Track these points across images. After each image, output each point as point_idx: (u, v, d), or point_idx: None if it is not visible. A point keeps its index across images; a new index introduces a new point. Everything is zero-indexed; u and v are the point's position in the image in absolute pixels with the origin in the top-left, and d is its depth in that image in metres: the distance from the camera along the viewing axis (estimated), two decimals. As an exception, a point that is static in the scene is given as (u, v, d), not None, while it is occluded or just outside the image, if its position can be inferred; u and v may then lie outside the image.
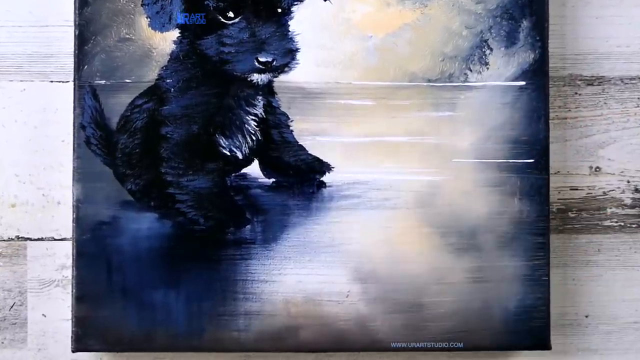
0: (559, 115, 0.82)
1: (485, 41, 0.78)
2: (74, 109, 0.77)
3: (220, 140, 0.78)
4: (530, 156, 0.77)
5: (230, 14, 0.76)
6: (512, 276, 0.77)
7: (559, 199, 0.82)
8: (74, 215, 0.76)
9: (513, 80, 0.78)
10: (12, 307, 0.81)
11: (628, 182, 0.82)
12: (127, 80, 0.77)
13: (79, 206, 0.76)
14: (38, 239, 0.81)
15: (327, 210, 0.77)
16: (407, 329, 0.77)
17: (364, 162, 0.77)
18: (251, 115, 0.78)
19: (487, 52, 0.78)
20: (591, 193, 0.82)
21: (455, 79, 0.77)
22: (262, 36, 0.76)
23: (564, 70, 0.82)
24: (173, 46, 0.77)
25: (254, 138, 0.79)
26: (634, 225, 0.82)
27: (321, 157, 0.78)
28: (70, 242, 0.78)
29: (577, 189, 0.82)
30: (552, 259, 0.78)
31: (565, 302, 0.82)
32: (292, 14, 0.77)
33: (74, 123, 0.77)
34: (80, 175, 0.76)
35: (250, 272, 0.77)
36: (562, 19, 0.82)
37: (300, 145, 0.78)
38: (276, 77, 0.77)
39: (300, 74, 0.77)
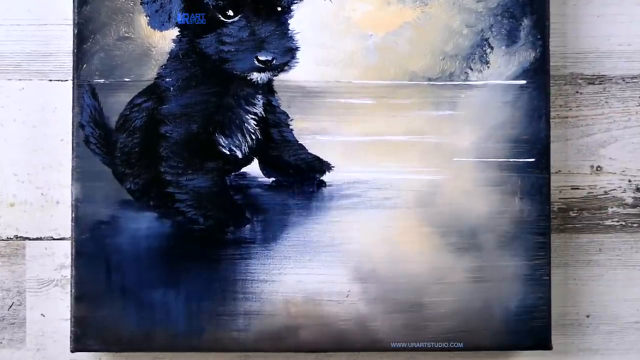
0: (560, 114, 0.82)
1: (486, 40, 0.77)
2: (73, 108, 0.77)
3: (220, 139, 0.78)
4: (531, 155, 0.77)
5: (230, 13, 0.76)
6: (513, 276, 0.77)
7: (560, 199, 0.82)
8: (73, 215, 0.76)
9: (514, 79, 0.77)
10: (10, 306, 0.80)
11: (629, 181, 0.82)
12: (126, 79, 0.77)
13: (78, 205, 0.76)
14: (37, 239, 0.80)
15: (327, 209, 0.77)
16: (408, 329, 0.77)
17: (364, 161, 0.77)
18: (251, 114, 0.78)
19: (488, 50, 0.77)
20: (592, 192, 0.82)
21: (456, 77, 0.77)
22: (261, 35, 0.76)
23: (565, 69, 0.82)
24: (172, 45, 0.77)
25: (253, 137, 0.78)
26: (635, 225, 0.82)
27: (321, 156, 0.77)
28: (69, 241, 0.78)
29: (578, 188, 0.82)
30: (553, 258, 0.78)
31: (566, 302, 0.82)
32: (292, 13, 0.77)
33: (72, 122, 0.77)
34: (79, 174, 0.76)
35: (250, 271, 0.77)
36: (563, 18, 0.81)
37: (300, 145, 0.77)
38: (276, 75, 0.77)
39: (300, 73, 0.77)
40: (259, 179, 0.78)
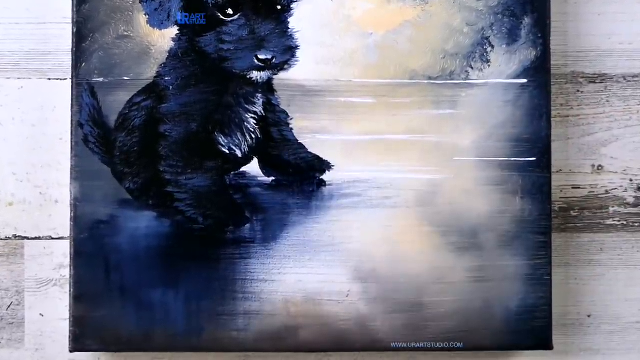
0: (561, 113, 0.81)
1: (487, 38, 0.77)
2: (72, 107, 0.76)
3: (220, 138, 0.77)
4: (532, 154, 0.77)
5: (230, 11, 0.76)
6: (514, 275, 0.77)
7: (561, 198, 0.81)
8: (72, 214, 0.76)
9: (515, 78, 0.77)
10: (9, 306, 0.80)
11: (631, 180, 0.82)
12: (126, 78, 0.76)
13: (76, 205, 0.76)
14: (35, 238, 0.80)
15: (327, 209, 0.77)
16: (408, 329, 0.76)
17: (364, 161, 0.77)
18: (250, 113, 0.78)
19: (489, 49, 0.77)
20: (593, 192, 0.82)
21: (457, 76, 0.77)
22: (261, 33, 0.76)
23: (566, 67, 0.81)
24: (172, 43, 0.76)
25: (253, 136, 0.78)
26: (636, 224, 0.82)
27: (321, 156, 0.77)
28: (68, 241, 0.78)
29: (579, 188, 0.82)
30: (554, 258, 0.78)
31: (568, 302, 0.81)
32: (292, 11, 0.77)
33: (71, 121, 0.76)
34: (78, 173, 0.76)
35: (250, 271, 0.77)
36: (564, 16, 0.81)
37: (300, 144, 0.77)
38: (276, 74, 0.77)
39: (300, 72, 0.77)
40: (259, 178, 0.78)
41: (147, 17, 0.76)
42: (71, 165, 0.76)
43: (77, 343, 0.76)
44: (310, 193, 0.77)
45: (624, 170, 0.82)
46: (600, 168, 0.81)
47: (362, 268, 0.77)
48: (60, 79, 0.80)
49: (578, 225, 0.82)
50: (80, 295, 0.76)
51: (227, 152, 0.78)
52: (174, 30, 0.76)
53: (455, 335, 0.77)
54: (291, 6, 0.77)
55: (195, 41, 0.76)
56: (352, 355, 0.81)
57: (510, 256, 0.77)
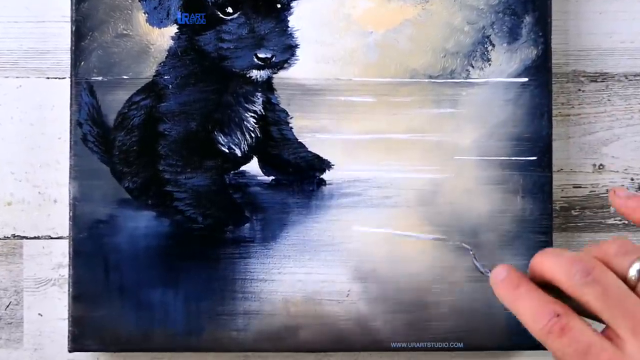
0: (562, 112, 0.81)
1: (488, 37, 0.77)
2: (71, 106, 0.76)
3: (219, 138, 0.77)
4: (532, 153, 0.77)
5: (229, 10, 0.75)
6: (515, 275, 0.76)
7: (562, 197, 0.81)
8: (71, 214, 0.76)
9: (515, 77, 0.77)
10: (7, 306, 0.80)
11: (632, 179, 0.81)
12: (125, 77, 0.76)
13: (75, 204, 0.76)
14: (34, 238, 0.80)
15: (327, 208, 0.77)
16: (408, 329, 0.76)
17: (364, 160, 0.77)
18: (250, 112, 0.78)
19: (489, 48, 0.77)
20: (595, 191, 0.81)
21: (457, 75, 0.77)
22: (261, 32, 0.76)
23: (567, 66, 0.81)
24: (171, 42, 0.76)
25: (252, 135, 0.78)
26: (637, 224, 0.81)
27: (321, 155, 0.77)
28: (67, 240, 0.77)
29: (580, 187, 0.81)
30: (555, 257, 0.77)
31: (568, 302, 0.81)
32: (292, 10, 0.76)
33: (70, 120, 0.76)
34: (77, 173, 0.76)
35: (249, 271, 0.76)
36: (565, 15, 0.81)
37: (300, 143, 0.77)
38: (275, 73, 0.76)
39: (299, 71, 0.76)
40: (259, 178, 0.78)
41: (147, 15, 0.76)
42: (70, 165, 0.76)
43: (76, 343, 0.75)
44: (310, 192, 0.77)
45: (625, 170, 0.81)
46: (601, 167, 0.81)
47: (363, 268, 0.77)
48: (59, 78, 0.80)
49: (579, 224, 0.81)
50: (79, 295, 0.75)
51: (227, 151, 0.77)
52: (173, 29, 0.76)
53: (455, 335, 0.76)
54: (291, 4, 0.76)
55: (195, 40, 0.76)
56: (352, 355, 0.80)
57: (511, 256, 0.76)
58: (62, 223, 0.79)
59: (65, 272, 0.79)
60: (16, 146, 0.80)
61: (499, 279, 0.50)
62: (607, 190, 0.54)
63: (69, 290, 0.76)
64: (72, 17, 0.76)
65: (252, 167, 0.78)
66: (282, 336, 0.76)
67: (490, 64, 0.77)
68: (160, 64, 0.76)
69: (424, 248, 0.77)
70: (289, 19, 0.76)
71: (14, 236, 0.80)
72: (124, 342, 0.75)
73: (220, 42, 0.75)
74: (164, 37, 0.76)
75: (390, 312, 0.76)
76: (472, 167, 0.77)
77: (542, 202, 0.76)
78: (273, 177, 0.78)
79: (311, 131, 0.77)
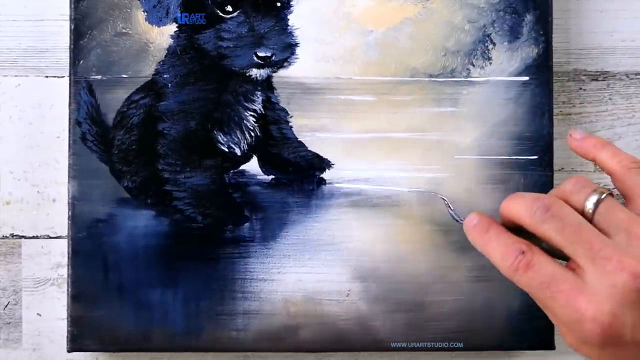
0: (563, 111, 0.81)
1: (488, 35, 0.77)
2: (70, 105, 0.76)
3: (219, 137, 0.77)
4: (533, 153, 0.76)
5: (229, 8, 0.75)
6: (516, 275, 0.76)
7: (562, 196, 0.81)
8: (70, 213, 0.75)
9: (516, 76, 0.77)
10: (6, 306, 0.80)
11: (633, 179, 0.81)
12: (124, 76, 0.76)
13: (74, 203, 0.75)
14: (33, 237, 0.80)
15: (327, 207, 0.76)
16: (409, 329, 0.76)
17: (364, 159, 0.76)
18: (250, 111, 0.77)
19: (490, 46, 0.77)
20: (596, 190, 0.81)
21: (458, 74, 0.77)
22: (261, 30, 0.75)
23: (568, 65, 0.81)
24: (170, 41, 0.76)
25: (252, 134, 0.78)
26: (639, 223, 0.81)
27: (321, 154, 0.77)
28: (66, 240, 0.77)
29: (581, 186, 0.81)
30: (556, 257, 0.77)
31: (569, 301, 0.81)
32: (292, 8, 0.76)
33: (69, 119, 0.76)
34: (76, 172, 0.75)
35: (249, 270, 0.76)
36: (566, 13, 0.81)
37: (300, 142, 0.77)
38: (275, 72, 0.76)
39: (299, 69, 0.76)
40: (258, 177, 0.77)
41: (146, 14, 0.76)
42: (69, 164, 0.76)
43: (75, 343, 0.75)
44: (310, 191, 0.77)
45: (627, 169, 0.81)
46: (602, 166, 0.81)
47: (363, 267, 0.76)
48: (58, 77, 0.80)
49: (580, 224, 0.81)
50: (78, 295, 0.75)
51: (226, 150, 0.77)
52: (172, 28, 0.76)
53: (456, 334, 0.76)
54: (291, 3, 0.76)
55: (194, 38, 0.76)
56: (352, 355, 0.80)
57: (511, 255, 0.76)
58: (61, 222, 0.79)
59: (64, 271, 0.79)
60: (15, 145, 0.80)
61: (471, 225, 0.55)
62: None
63: (67, 290, 0.75)
64: (71, 15, 0.76)
65: (252, 166, 0.77)
66: (282, 336, 0.76)
67: (491, 63, 0.77)
68: (159, 62, 0.76)
69: (424, 248, 0.76)
70: (288, 17, 0.76)
71: (12, 235, 0.80)
72: (123, 342, 0.75)
73: (220, 40, 0.75)
74: (163, 35, 0.76)
75: (390, 312, 0.76)
76: (473, 166, 0.76)
77: (543, 201, 0.76)
78: (273, 176, 0.77)
79: (311, 130, 0.76)
